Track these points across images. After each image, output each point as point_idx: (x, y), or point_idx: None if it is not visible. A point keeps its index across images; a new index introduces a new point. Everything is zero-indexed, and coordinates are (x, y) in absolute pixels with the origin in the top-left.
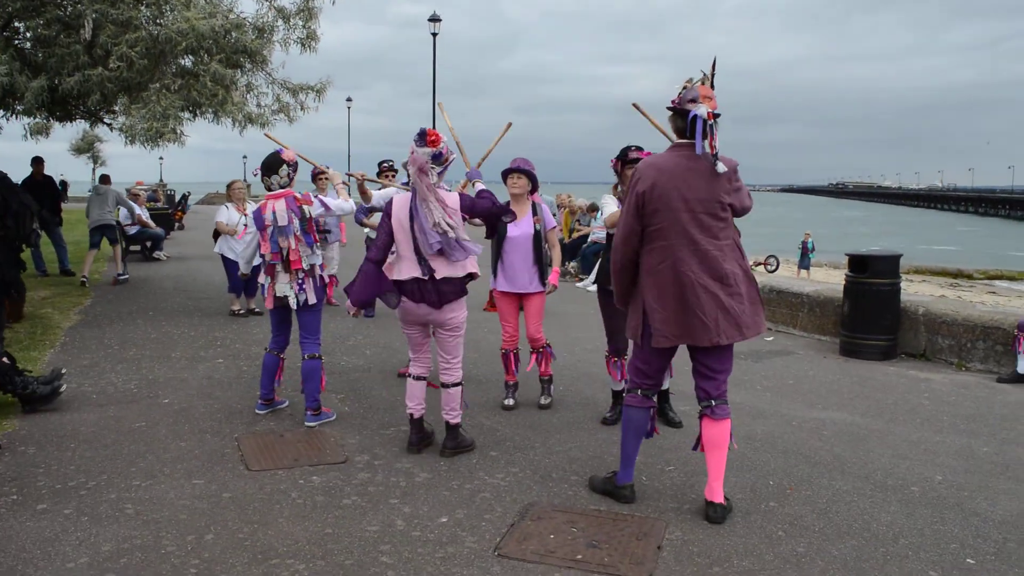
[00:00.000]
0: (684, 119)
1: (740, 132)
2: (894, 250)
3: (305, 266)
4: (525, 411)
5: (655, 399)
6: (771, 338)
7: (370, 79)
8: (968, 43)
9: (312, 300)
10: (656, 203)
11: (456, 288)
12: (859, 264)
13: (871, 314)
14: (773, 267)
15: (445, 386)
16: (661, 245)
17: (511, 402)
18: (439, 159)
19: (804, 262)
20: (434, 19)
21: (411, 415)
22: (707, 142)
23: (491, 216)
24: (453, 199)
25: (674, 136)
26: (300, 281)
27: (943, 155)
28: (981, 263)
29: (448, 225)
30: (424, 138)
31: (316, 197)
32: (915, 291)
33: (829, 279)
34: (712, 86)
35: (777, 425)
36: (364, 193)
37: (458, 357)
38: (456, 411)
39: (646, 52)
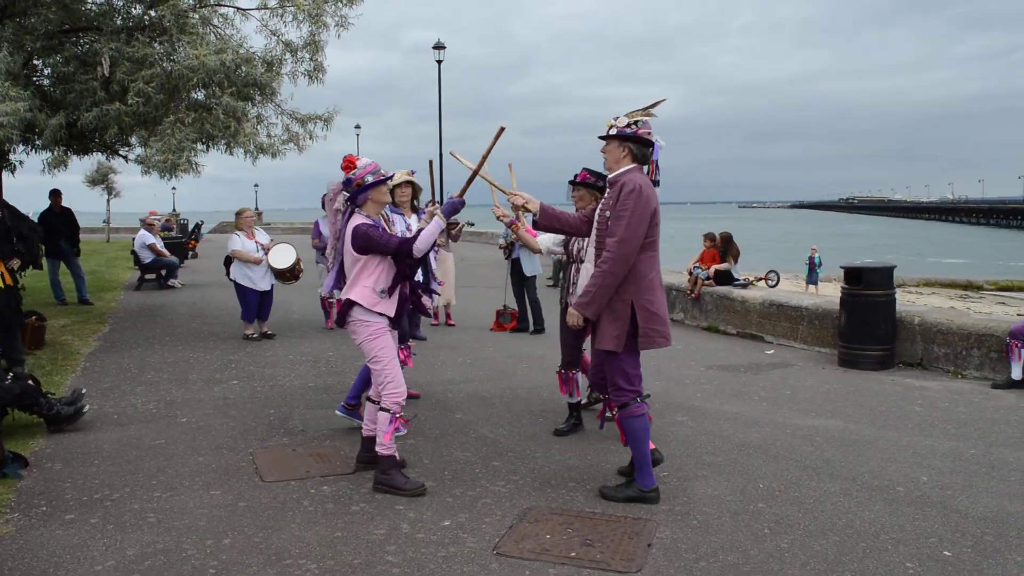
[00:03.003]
0: (647, 147)
1: (750, 149)
2: (887, 262)
3: None
4: (527, 422)
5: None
6: (771, 351)
7: (380, 105)
8: (978, 54)
9: None
10: (656, 216)
11: None
12: (854, 276)
13: (867, 325)
14: (774, 282)
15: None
16: (651, 255)
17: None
18: (349, 184)
19: (812, 277)
20: (438, 47)
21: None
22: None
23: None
24: (352, 229)
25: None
26: None
27: (953, 167)
28: (992, 274)
29: (327, 250)
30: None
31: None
32: (924, 303)
33: (838, 293)
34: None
35: (771, 433)
36: None
37: None
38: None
39: (656, 72)
